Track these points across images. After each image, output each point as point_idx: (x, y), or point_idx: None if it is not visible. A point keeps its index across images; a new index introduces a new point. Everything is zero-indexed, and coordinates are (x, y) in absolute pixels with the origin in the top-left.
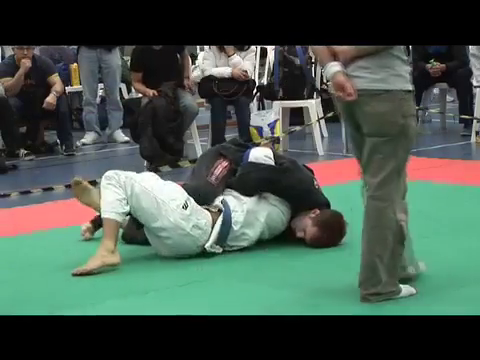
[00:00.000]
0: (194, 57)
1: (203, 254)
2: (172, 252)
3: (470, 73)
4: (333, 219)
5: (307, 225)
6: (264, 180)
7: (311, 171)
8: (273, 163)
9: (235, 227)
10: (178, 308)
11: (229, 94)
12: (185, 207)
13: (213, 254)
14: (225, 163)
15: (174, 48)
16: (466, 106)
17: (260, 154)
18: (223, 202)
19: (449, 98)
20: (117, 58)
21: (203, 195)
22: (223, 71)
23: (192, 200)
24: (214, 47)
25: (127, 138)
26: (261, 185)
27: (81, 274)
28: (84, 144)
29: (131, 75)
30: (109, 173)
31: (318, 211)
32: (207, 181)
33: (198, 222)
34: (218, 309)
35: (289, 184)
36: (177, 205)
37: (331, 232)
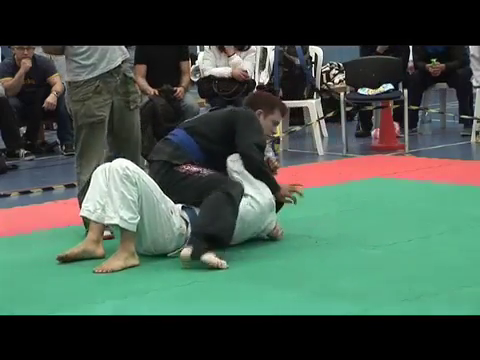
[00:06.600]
0: (194, 57)
1: None
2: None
3: (470, 73)
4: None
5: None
6: None
7: None
8: None
9: None
10: (178, 308)
11: (229, 94)
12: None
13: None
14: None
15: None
16: (466, 106)
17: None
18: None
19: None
20: None
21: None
22: (223, 71)
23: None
24: (214, 47)
25: None
26: None
27: (102, 272)
28: None
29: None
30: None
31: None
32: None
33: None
34: (218, 309)
35: None
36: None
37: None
